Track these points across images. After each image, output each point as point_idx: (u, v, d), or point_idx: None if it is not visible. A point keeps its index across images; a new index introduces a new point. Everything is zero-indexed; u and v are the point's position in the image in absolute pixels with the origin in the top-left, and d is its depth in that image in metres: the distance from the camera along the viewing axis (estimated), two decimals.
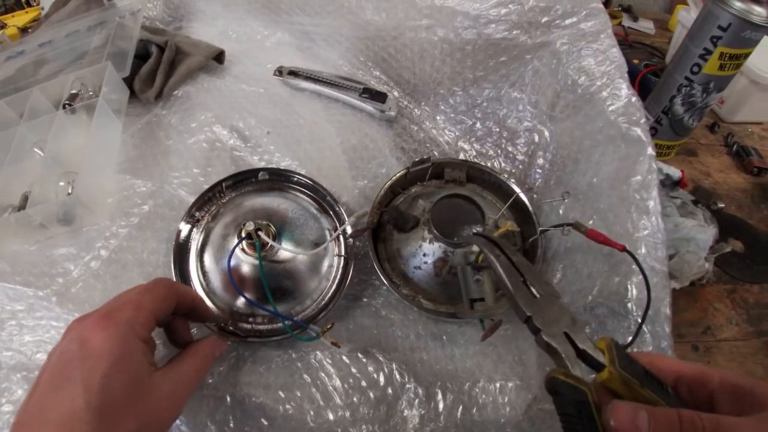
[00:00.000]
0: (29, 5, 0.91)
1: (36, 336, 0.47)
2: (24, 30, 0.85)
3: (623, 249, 0.44)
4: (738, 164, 0.75)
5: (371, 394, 0.44)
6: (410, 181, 0.55)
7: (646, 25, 1.13)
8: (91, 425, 0.29)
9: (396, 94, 0.62)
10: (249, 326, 0.46)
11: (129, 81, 0.61)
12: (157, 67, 0.61)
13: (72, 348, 0.32)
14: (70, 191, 0.50)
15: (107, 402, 0.30)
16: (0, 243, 0.50)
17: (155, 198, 0.52)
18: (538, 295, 0.35)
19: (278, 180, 0.53)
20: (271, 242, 0.44)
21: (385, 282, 0.47)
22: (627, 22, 1.14)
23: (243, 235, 0.44)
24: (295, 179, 0.53)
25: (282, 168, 0.54)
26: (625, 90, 0.49)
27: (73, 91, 0.56)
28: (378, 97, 0.60)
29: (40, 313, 0.47)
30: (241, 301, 0.46)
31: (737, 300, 0.59)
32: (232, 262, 0.46)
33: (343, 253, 0.49)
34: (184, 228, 0.50)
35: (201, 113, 0.59)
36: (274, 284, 0.45)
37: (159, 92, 0.60)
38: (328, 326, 0.42)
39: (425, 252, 0.48)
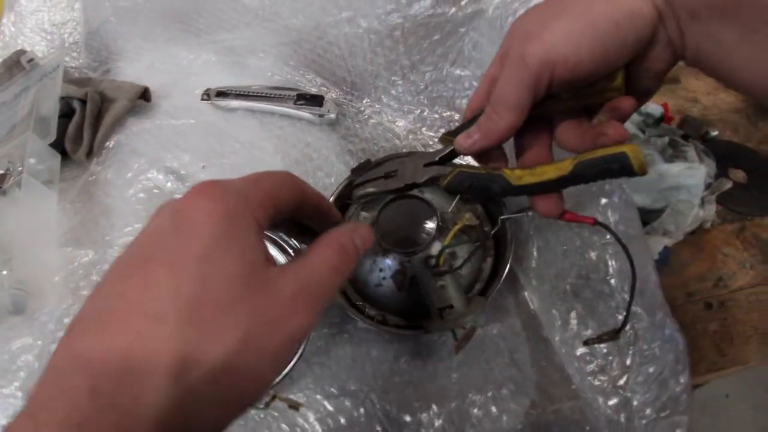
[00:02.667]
0: None
1: None
2: None
3: (594, 222, 0.39)
4: None
5: None
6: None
7: None
8: (174, 326, 0.20)
9: (335, 95, 0.57)
10: None
11: (60, 144, 0.58)
12: (83, 123, 0.58)
13: (162, 222, 0.23)
14: None
15: (203, 293, 0.21)
16: None
17: (100, 265, 0.50)
18: None
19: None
20: None
21: (347, 308, 0.44)
22: None
23: None
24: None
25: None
26: None
27: (1, 172, 0.54)
28: (314, 101, 0.55)
29: (9, 411, 0.46)
30: None
31: (748, 239, 0.53)
32: None
33: None
34: None
35: (134, 161, 0.55)
36: None
37: (89, 149, 0.57)
38: (273, 396, 0.38)
39: (381, 267, 0.44)
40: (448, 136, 0.39)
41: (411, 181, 0.41)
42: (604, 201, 0.40)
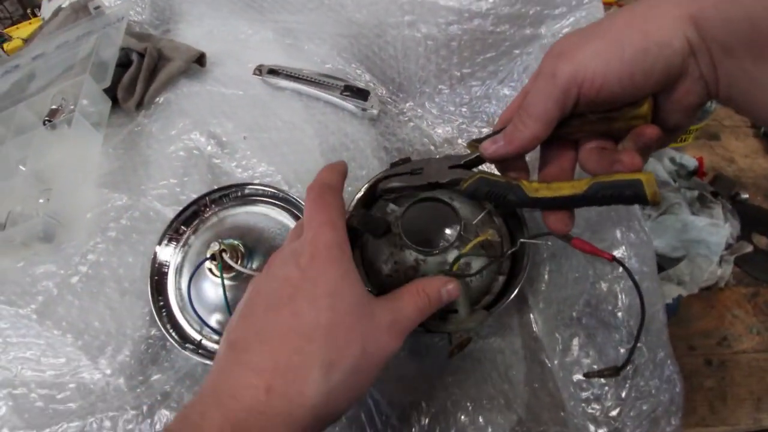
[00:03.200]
0: (34, 15, 0.93)
1: (20, 353, 0.48)
2: (28, 41, 0.86)
3: (612, 259, 0.40)
4: (767, 147, 0.67)
5: (342, 418, 0.43)
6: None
7: None
8: (321, 345, 0.28)
9: (381, 92, 0.59)
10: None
11: (113, 91, 0.61)
12: (138, 75, 0.61)
13: (290, 272, 0.31)
14: None
15: (335, 320, 0.29)
16: None
17: (132, 211, 0.52)
18: None
19: (262, 195, 0.51)
20: (234, 265, 0.42)
21: None
22: None
23: (208, 255, 0.42)
24: (281, 195, 0.50)
25: (264, 184, 0.51)
26: None
27: (54, 107, 0.56)
28: (360, 94, 0.57)
29: (23, 331, 0.48)
30: (213, 321, 0.45)
31: (760, 305, 0.53)
32: (204, 282, 0.45)
33: None
34: (163, 245, 0.49)
35: (180, 120, 0.57)
36: None
37: (140, 101, 0.60)
38: None
39: (396, 260, 0.45)
40: (476, 143, 0.40)
41: (434, 180, 0.43)
42: (621, 235, 0.41)
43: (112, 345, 0.47)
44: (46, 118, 0.55)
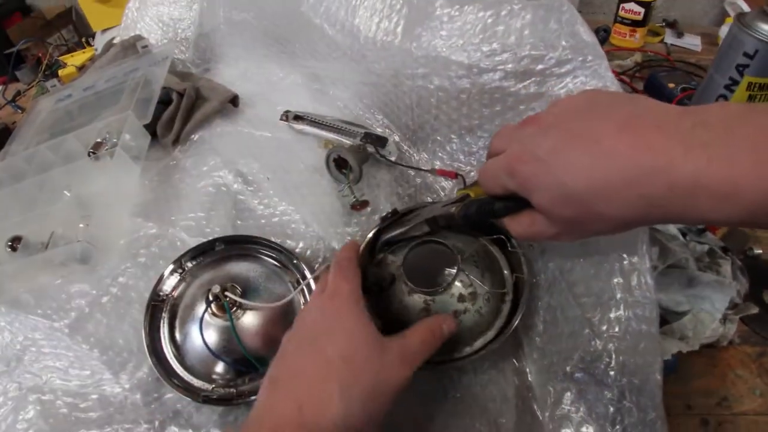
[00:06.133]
0: (89, 44, 1.01)
1: (51, 362, 0.52)
2: (81, 68, 0.94)
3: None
4: None
5: None
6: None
7: (691, 42, 1.05)
8: (341, 372, 0.36)
9: (397, 138, 0.63)
10: (232, 390, 0.48)
11: (153, 126, 0.66)
12: (176, 114, 0.66)
13: (316, 317, 0.40)
14: None
15: (350, 353, 0.36)
16: (31, 278, 0.56)
17: (161, 240, 0.56)
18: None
19: (236, 245, 0.55)
20: (239, 299, 0.46)
21: None
22: (670, 38, 1.06)
23: (210, 298, 0.46)
24: (253, 240, 0.54)
25: (235, 234, 0.55)
26: None
27: (98, 140, 0.62)
28: (378, 141, 0.61)
29: (55, 342, 0.52)
30: (219, 368, 0.48)
31: (766, 366, 0.53)
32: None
33: None
34: (151, 310, 0.51)
35: (211, 158, 0.62)
36: (247, 348, 0.47)
37: (176, 137, 0.65)
38: None
39: (406, 305, 0.47)
40: (464, 190, 0.45)
41: (430, 215, 0.47)
42: (621, 291, 0.42)
43: (133, 362, 0.51)
44: (91, 150, 0.61)
